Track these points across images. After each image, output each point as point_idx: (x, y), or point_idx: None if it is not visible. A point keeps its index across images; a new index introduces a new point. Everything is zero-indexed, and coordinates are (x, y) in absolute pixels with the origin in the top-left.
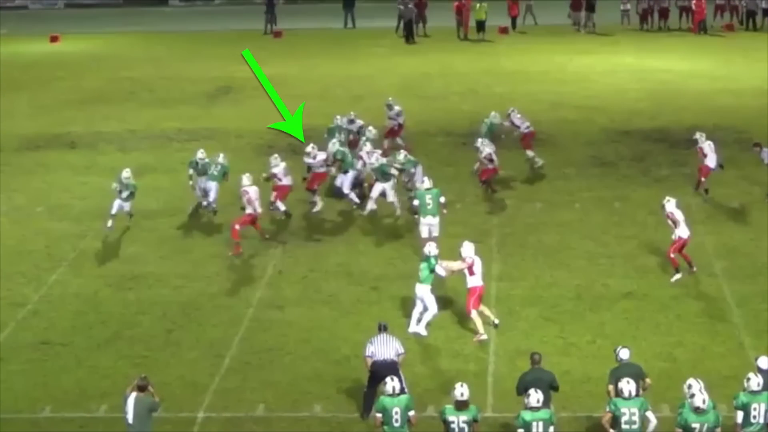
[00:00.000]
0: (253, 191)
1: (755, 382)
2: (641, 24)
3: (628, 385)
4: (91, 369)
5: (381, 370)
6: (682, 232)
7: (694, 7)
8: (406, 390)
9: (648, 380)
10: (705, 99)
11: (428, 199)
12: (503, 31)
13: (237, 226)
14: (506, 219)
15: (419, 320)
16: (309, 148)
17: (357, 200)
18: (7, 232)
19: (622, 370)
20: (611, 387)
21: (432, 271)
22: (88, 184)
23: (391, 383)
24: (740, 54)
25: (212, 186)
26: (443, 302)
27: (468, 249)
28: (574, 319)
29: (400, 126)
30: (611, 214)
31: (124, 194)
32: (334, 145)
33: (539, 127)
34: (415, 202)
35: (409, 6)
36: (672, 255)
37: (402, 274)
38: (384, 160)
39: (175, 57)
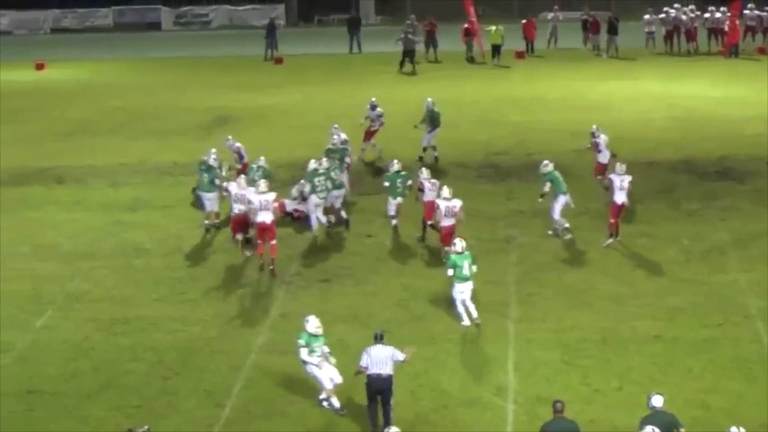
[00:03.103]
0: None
1: None
2: (665, 45)
3: None
4: (80, 420)
5: (375, 385)
6: (617, 198)
7: (726, 28)
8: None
9: (682, 431)
10: (736, 127)
11: (399, 182)
12: (519, 55)
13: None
14: (524, 257)
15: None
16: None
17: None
18: None
19: (653, 419)
20: None
21: (472, 263)
22: (77, 221)
23: None
24: None
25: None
26: (459, 343)
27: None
28: (598, 364)
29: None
30: (638, 251)
31: None
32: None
33: (559, 158)
34: (386, 183)
35: (410, 37)
36: (612, 221)
37: (414, 315)
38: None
39: (169, 85)
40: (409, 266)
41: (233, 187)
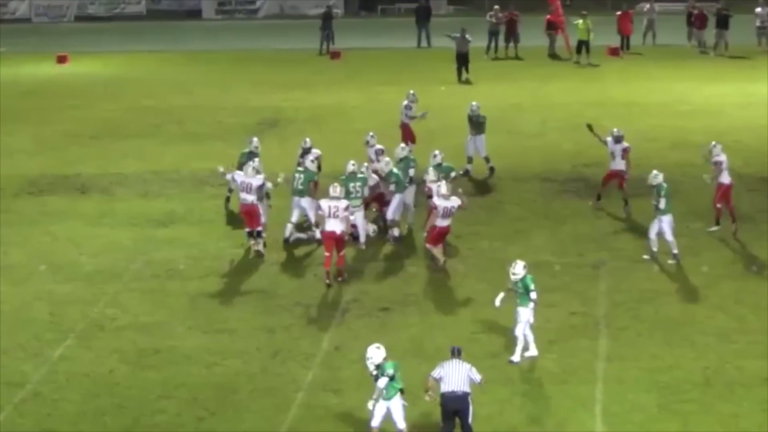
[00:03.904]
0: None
1: None
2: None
3: None
4: None
5: (451, 404)
6: (724, 178)
7: None
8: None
9: None
10: None
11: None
12: (613, 52)
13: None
14: (616, 284)
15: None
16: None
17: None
18: (2, 295)
19: None
20: None
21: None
22: (102, 237)
23: None
24: None
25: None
26: (538, 384)
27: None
28: (701, 409)
29: None
30: (747, 280)
31: None
32: (387, 164)
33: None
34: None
35: (466, 36)
36: (718, 205)
37: (488, 351)
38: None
39: (210, 82)
40: (481, 294)
41: (239, 176)
